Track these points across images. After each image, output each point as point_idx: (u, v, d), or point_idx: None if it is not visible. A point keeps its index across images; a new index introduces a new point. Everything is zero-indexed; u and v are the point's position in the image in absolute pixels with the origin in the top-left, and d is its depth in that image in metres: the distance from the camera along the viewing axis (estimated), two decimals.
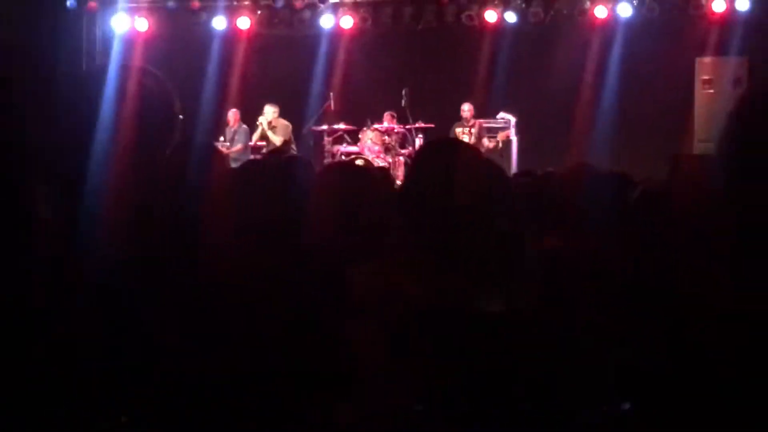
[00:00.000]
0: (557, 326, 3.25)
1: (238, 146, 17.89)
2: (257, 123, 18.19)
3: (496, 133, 17.81)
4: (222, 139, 18.13)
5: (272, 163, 4.97)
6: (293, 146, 18.12)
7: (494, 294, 2.94)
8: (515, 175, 9.49)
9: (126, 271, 2.38)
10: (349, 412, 2.71)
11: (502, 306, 2.92)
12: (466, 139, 17.19)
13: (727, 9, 18.03)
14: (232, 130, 18.34)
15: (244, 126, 18.40)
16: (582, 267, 3.98)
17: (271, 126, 18.07)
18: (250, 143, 18.17)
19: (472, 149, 3.70)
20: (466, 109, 17.75)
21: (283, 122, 18.20)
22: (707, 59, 18.08)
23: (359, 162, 17.02)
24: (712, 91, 17.77)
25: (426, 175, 3.16)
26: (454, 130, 17.62)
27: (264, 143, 18.06)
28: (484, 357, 2.81)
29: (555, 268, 4.01)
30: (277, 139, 17.89)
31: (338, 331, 2.70)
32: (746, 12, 17.98)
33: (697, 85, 17.96)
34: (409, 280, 2.98)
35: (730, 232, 1.74)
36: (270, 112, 18.06)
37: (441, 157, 3.21)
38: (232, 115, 18.45)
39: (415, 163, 3.49)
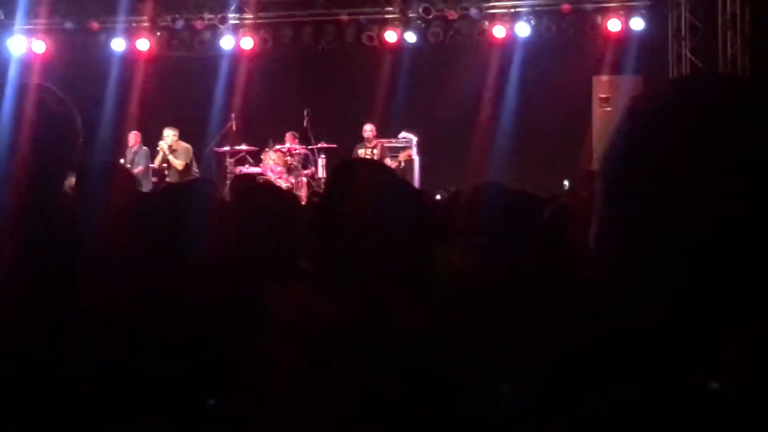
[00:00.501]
0: (473, 343, 3.28)
1: (140, 168, 17.71)
2: (158, 147, 18.04)
3: (398, 153, 17.88)
4: (122, 161, 17.95)
5: (174, 187, 4.97)
6: (195, 169, 18.02)
7: (411, 311, 2.96)
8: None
9: (16, 294, 2.36)
10: None
11: (419, 323, 2.94)
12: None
13: (622, 28, 18.37)
14: (132, 151, 18.16)
15: (145, 148, 18.23)
16: (490, 283, 4.03)
17: (172, 149, 17.93)
18: (153, 166, 18.03)
19: (386, 168, 3.73)
20: (368, 129, 17.79)
21: (184, 145, 18.08)
22: (604, 77, 18.39)
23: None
24: (609, 108, 18.05)
25: (340, 193, 3.18)
26: (357, 151, 17.66)
27: (165, 166, 17.94)
28: (404, 375, 2.82)
29: (464, 285, 4.05)
30: (178, 163, 17.77)
31: (254, 354, 2.70)
32: (641, 31, 18.36)
33: (594, 103, 18.25)
34: (325, 300, 2.99)
35: (613, 250, 1.78)
36: (170, 135, 17.93)
37: (355, 175, 3.23)
38: (133, 137, 18.27)
39: (329, 182, 3.50)
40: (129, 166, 17.68)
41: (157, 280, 2.99)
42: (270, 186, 6.62)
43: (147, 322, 2.77)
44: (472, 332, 3.36)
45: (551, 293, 3.79)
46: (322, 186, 16.95)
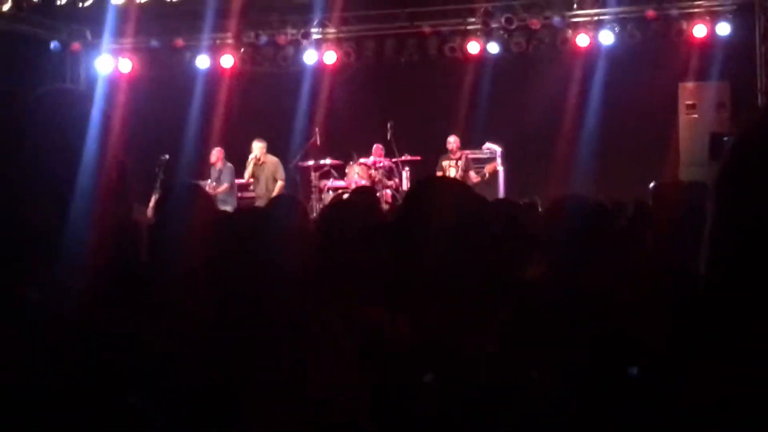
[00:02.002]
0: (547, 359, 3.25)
1: (224, 186, 17.84)
2: (249, 160, 18.15)
3: (483, 164, 17.80)
4: (209, 180, 18.11)
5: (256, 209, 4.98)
6: (281, 180, 18.08)
7: (483, 330, 2.94)
8: (498, 203, 9.43)
9: (96, 308, 2.35)
10: None
11: (495, 348, 2.92)
12: (453, 172, 17.23)
13: (708, 34, 18.11)
14: (217, 169, 18.30)
15: (229, 164, 18.37)
16: (563, 296, 3.98)
17: (260, 162, 18.04)
18: (242, 180, 18.14)
19: (460, 186, 3.69)
20: (452, 141, 17.75)
21: (272, 158, 18.18)
22: (690, 84, 18.18)
23: (346, 197, 17.04)
24: (695, 115, 17.86)
25: (417, 212, 3.16)
26: (441, 163, 17.62)
27: (253, 180, 18.06)
28: (469, 394, 2.79)
29: (537, 297, 4.01)
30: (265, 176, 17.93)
31: (311, 374, 2.68)
32: (727, 37, 18.07)
33: (681, 110, 18.05)
34: (391, 317, 2.98)
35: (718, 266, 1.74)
36: (258, 147, 18.04)
37: (429, 194, 3.21)
38: (216, 154, 18.40)
39: (407, 200, 3.48)
40: (214, 184, 17.83)
41: (238, 301, 2.98)
42: (357, 200, 6.58)
43: (227, 341, 2.77)
44: (544, 352, 3.32)
45: (628, 309, 3.73)
46: None
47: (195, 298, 2.89)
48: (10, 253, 1.95)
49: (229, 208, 16.25)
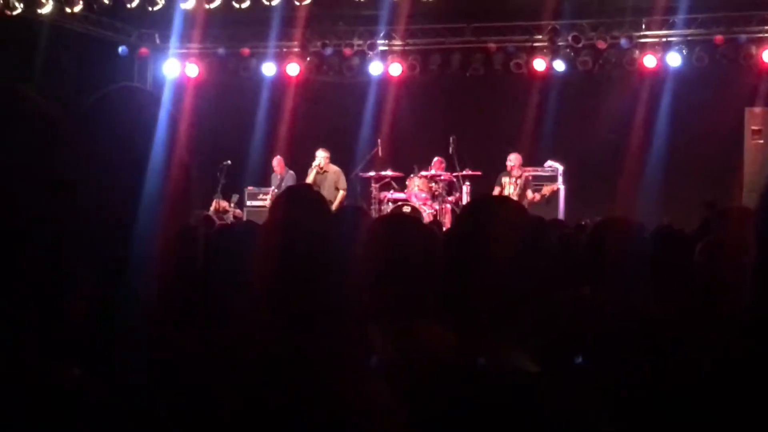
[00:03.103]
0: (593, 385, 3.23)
1: None
2: (311, 168, 18.23)
3: (544, 182, 17.72)
4: (273, 186, 18.23)
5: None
6: (342, 191, 18.14)
7: (529, 353, 2.92)
8: (552, 224, 9.39)
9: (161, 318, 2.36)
10: None
11: (533, 364, 2.90)
12: (511, 189, 17.18)
13: None
14: (279, 176, 18.41)
15: (291, 172, 18.49)
16: (616, 318, 3.96)
17: (322, 171, 18.12)
18: None
19: (516, 206, 3.68)
20: (512, 159, 17.63)
21: (334, 168, 18.24)
22: (757, 109, 18.00)
23: (406, 209, 17.05)
24: (761, 141, 17.67)
25: (466, 231, 3.16)
26: (501, 180, 17.58)
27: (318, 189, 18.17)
28: (516, 420, 2.78)
29: (590, 318, 3.99)
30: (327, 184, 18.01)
31: (355, 395, 2.67)
32: None
33: (747, 136, 17.87)
34: (441, 336, 2.97)
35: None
36: (321, 156, 18.11)
37: (482, 213, 3.20)
38: (277, 162, 18.52)
39: (459, 219, 3.48)
40: (277, 191, 17.93)
41: (299, 314, 2.98)
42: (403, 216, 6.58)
43: (285, 355, 2.77)
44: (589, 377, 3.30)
45: (678, 338, 3.70)
46: None
47: (255, 309, 2.89)
48: (76, 256, 1.96)
49: None
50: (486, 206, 3.42)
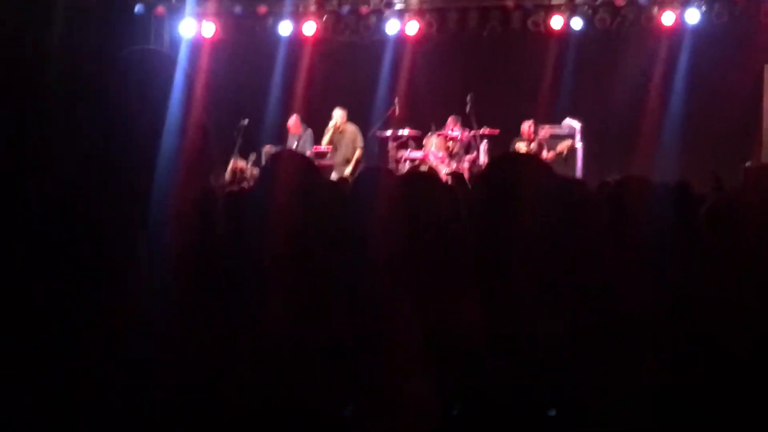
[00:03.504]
0: (616, 345, 3.22)
1: (308, 152, 17.91)
2: (327, 128, 18.22)
3: (560, 141, 17.68)
4: (292, 144, 18.23)
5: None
6: (360, 149, 18.14)
7: (554, 315, 2.91)
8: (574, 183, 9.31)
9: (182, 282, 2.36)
10: None
11: (560, 328, 2.89)
12: (525, 151, 17.13)
13: None
14: (297, 135, 18.40)
15: (309, 130, 18.50)
16: (644, 284, 3.94)
17: (339, 130, 18.10)
18: (321, 147, 18.18)
19: (541, 164, 3.65)
20: (526, 127, 17.63)
21: (351, 127, 18.22)
22: None
23: (423, 168, 17.01)
24: None
25: (491, 193, 3.13)
26: (516, 145, 17.53)
27: (331, 147, 18.11)
28: (542, 382, 2.78)
29: (615, 281, 3.97)
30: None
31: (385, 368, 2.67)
32: None
33: (766, 93, 17.76)
34: (466, 304, 2.96)
35: None
36: (338, 115, 18.09)
37: (508, 174, 3.17)
38: (293, 121, 18.51)
39: (482, 179, 3.45)
40: (296, 147, 17.94)
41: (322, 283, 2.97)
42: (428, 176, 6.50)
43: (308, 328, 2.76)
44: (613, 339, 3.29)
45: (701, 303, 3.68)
46: None
47: (276, 278, 2.88)
48: (96, 221, 1.95)
49: None
50: (510, 163, 3.39)
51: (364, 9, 19.88)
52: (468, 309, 3.01)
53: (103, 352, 1.75)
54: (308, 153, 17.85)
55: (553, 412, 2.81)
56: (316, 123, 18.63)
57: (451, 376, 2.80)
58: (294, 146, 18.17)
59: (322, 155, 18.08)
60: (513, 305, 2.92)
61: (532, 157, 4.04)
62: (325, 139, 18.13)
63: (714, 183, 9.57)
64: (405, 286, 3.22)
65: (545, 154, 17.17)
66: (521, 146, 17.46)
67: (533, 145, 17.42)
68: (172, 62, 2.46)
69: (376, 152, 18.79)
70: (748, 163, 9.37)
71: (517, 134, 17.71)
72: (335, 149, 17.98)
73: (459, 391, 2.80)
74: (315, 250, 2.98)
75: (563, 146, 17.50)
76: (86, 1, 17.48)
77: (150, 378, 2.09)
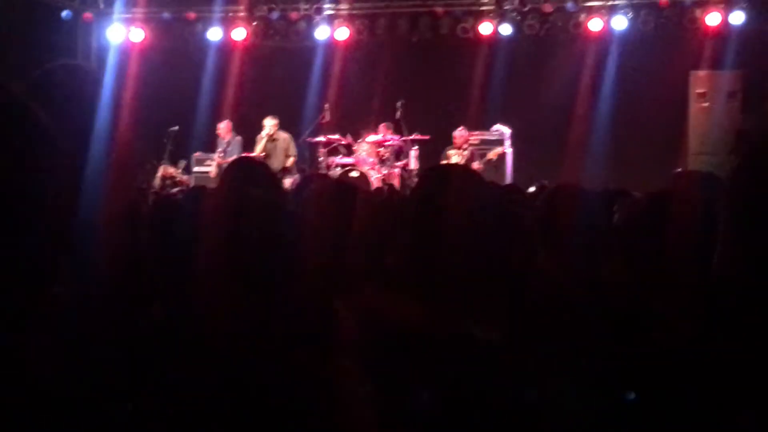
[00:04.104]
0: (547, 352, 3.25)
1: (234, 157, 17.80)
2: (258, 137, 18.14)
3: (490, 147, 17.79)
4: (219, 150, 18.16)
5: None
6: (292, 158, 18.10)
7: (490, 322, 2.93)
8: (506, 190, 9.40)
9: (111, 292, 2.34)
10: None
11: (498, 334, 2.91)
12: (457, 160, 17.21)
13: (721, 22, 18.04)
14: (225, 141, 18.33)
15: (238, 137, 18.42)
16: (575, 287, 3.99)
17: (272, 138, 18.04)
18: (252, 155, 18.08)
19: (473, 174, 3.68)
20: (458, 135, 17.73)
21: (284, 135, 18.18)
22: (702, 73, 18.12)
23: (354, 174, 17.03)
24: (706, 104, 17.82)
25: (429, 200, 3.15)
26: (447, 153, 17.62)
27: (264, 155, 18.03)
28: (477, 387, 2.80)
29: (547, 290, 4.01)
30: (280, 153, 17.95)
31: (323, 372, 2.68)
32: (741, 25, 18.00)
33: (692, 99, 18.00)
34: (402, 307, 2.97)
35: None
36: (270, 124, 18.04)
37: (437, 183, 3.20)
38: (224, 126, 18.44)
39: (419, 188, 3.47)
40: (223, 155, 17.88)
41: (254, 285, 2.96)
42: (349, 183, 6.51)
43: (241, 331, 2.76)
44: (547, 342, 3.32)
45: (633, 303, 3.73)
46: (414, 178, 16.93)
47: (208, 285, 2.88)
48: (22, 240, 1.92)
49: None
50: (443, 175, 3.42)
51: (293, 14, 19.87)
52: (404, 311, 3.03)
53: (24, 369, 1.73)
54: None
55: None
56: (247, 129, 18.57)
57: (387, 378, 2.81)
58: (222, 151, 18.10)
59: None
60: (449, 310, 2.94)
61: (464, 167, 4.09)
62: (258, 147, 18.05)
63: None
64: (339, 291, 3.24)
65: (476, 163, 17.25)
66: (453, 154, 17.53)
67: (465, 153, 17.51)
68: (95, 78, 2.44)
69: (306, 158, 18.77)
70: (678, 170, 9.52)
71: (447, 140, 17.77)
72: (268, 157, 17.91)
73: (395, 392, 2.81)
74: (248, 254, 2.98)
75: (494, 154, 17.61)
76: (11, 6, 17.28)
77: (73, 391, 2.07)
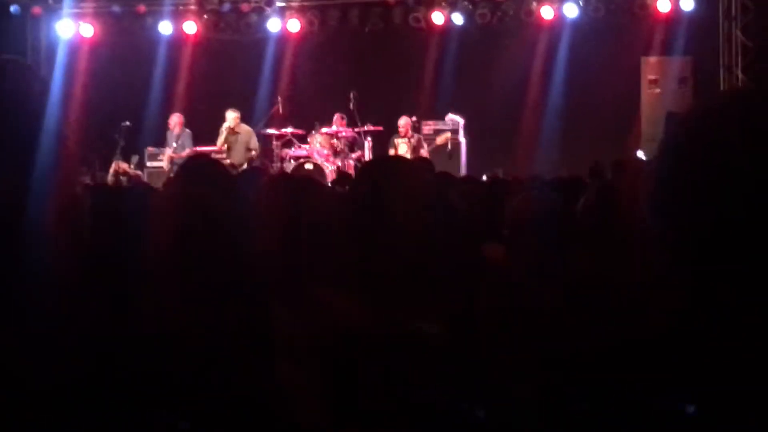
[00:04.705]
0: (499, 343, 3.24)
1: (187, 151, 17.74)
2: (221, 129, 17.98)
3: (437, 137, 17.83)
4: (173, 144, 18.05)
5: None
6: (254, 152, 17.97)
7: (432, 315, 2.92)
8: (461, 180, 9.43)
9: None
10: None
11: (439, 328, 2.90)
12: (404, 148, 17.21)
13: (671, 9, 18.15)
14: (175, 134, 18.21)
15: (188, 131, 18.28)
16: (525, 278, 3.98)
17: (234, 132, 17.91)
18: (215, 147, 17.93)
19: (418, 165, 3.67)
20: (402, 123, 17.72)
21: (246, 128, 18.04)
22: (653, 59, 18.25)
23: (308, 166, 17.00)
24: (658, 90, 17.93)
25: (362, 195, 3.13)
26: (393, 141, 17.62)
27: (226, 147, 17.87)
28: (423, 382, 2.78)
29: (498, 279, 4.00)
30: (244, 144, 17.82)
31: (266, 374, 2.65)
32: (691, 12, 18.12)
33: (643, 85, 18.12)
34: (344, 305, 2.95)
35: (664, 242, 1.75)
36: (231, 117, 17.90)
37: (377, 176, 3.17)
38: (176, 119, 18.33)
39: (352, 184, 3.45)
40: (174, 146, 17.80)
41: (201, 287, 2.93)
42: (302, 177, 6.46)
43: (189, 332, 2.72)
44: (497, 331, 3.31)
45: (591, 290, 3.73)
46: None
47: (154, 284, 2.84)
48: None
49: None
50: (384, 166, 3.39)
51: (244, 6, 19.78)
52: (348, 309, 3.00)
53: None
54: (189, 151, 17.70)
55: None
56: (199, 122, 18.49)
57: (336, 377, 2.79)
58: (173, 144, 18.01)
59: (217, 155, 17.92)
60: (392, 306, 2.91)
61: (403, 159, 4.06)
62: (220, 140, 17.88)
63: (593, 171, 9.74)
64: (285, 286, 3.21)
65: (424, 150, 17.25)
66: (400, 143, 17.53)
67: (413, 141, 17.50)
68: (40, 78, 2.40)
69: (259, 150, 18.69)
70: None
71: (390, 138, 17.80)
72: (229, 150, 17.78)
73: (343, 391, 2.79)
74: (196, 247, 2.94)
75: (443, 138, 17.61)
76: None
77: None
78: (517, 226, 4.39)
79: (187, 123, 18.40)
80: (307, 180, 4.15)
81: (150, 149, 18.73)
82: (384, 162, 3.66)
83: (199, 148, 17.96)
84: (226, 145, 17.83)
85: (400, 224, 2.96)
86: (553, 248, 4.16)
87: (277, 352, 2.78)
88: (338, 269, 3.17)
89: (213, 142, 18.02)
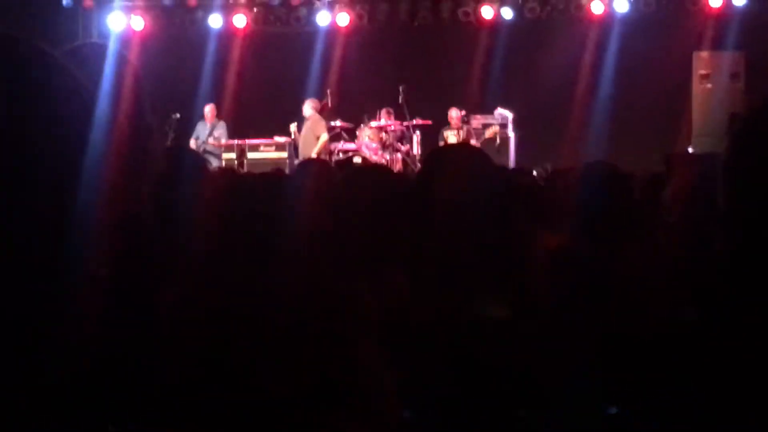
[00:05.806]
0: (562, 330, 3.23)
1: (224, 141, 17.91)
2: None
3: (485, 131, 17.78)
4: (206, 134, 18.18)
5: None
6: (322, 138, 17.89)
7: (499, 300, 2.92)
8: (512, 172, 9.43)
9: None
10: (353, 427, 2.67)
11: (507, 312, 2.90)
12: (454, 140, 17.19)
13: (723, 3, 18.03)
14: (209, 125, 18.30)
15: (222, 122, 18.38)
16: (585, 266, 3.96)
17: (306, 120, 17.91)
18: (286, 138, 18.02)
19: (479, 154, 3.66)
20: (454, 115, 17.71)
21: (315, 116, 17.93)
22: (704, 54, 18.07)
23: (357, 160, 17.00)
24: (709, 85, 17.77)
25: (432, 181, 3.13)
26: (443, 133, 17.59)
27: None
28: (487, 365, 2.78)
29: (557, 268, 3.99)
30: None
31: (347, 350, 2.66)
32: (743, 6, 17.98)
33: (695, 80, 17.95)
34: (414, 290, 2.96)
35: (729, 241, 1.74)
36: (308, 107, 17.92)
37: (446, 164, 3.18)
38: (210, 110, 18.43)
39: (423, 170, 3.45)
40: (211, 138, 17.92)
41: (246, 274, 2.93)
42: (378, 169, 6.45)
43: (234, 316, 2.72)
44: (562, 319, 3.30)
45: (644, 277, 3.71)
46: (417, 163, 16.91)
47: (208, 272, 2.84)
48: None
49: (215, 163, 16.35)
50: (449, 155, 3.40)
51: (294, 0, 19.82)
52: (418, 293, 3.01)
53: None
54: (227, 142, 17.81)
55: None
56: (248, 115, 18.57)
57: (408, 359, 2.80)
58: (208, 134, 18.12)
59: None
60: (460, 290, 2.92)
61: (471, 146, 4.07)
62: (292, 129, 17.92)
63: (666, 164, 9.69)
64: (365, 269, 3.22)
65: (474, 142, 17.20)
66: (449, 135, 17.51)
67: (462, 132, 17.48)
68: (123, 59, 2.42)
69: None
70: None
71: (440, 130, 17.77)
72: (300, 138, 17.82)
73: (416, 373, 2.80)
74: (252, 240, 2.95)
75: (491, 132, 17.56)
76: None
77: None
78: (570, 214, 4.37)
79: (236, 116, 18.48)
80: (382, 167, 4.16)
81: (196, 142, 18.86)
82: (452, 149, 3.68)
83: (251, 141, 18.05)
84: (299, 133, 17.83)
85: (467, 211, 2.96)
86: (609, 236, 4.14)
87: (360, 332, 2.79)
88: (409, 254, 3.18)
89: (259, 135, 18.13)
